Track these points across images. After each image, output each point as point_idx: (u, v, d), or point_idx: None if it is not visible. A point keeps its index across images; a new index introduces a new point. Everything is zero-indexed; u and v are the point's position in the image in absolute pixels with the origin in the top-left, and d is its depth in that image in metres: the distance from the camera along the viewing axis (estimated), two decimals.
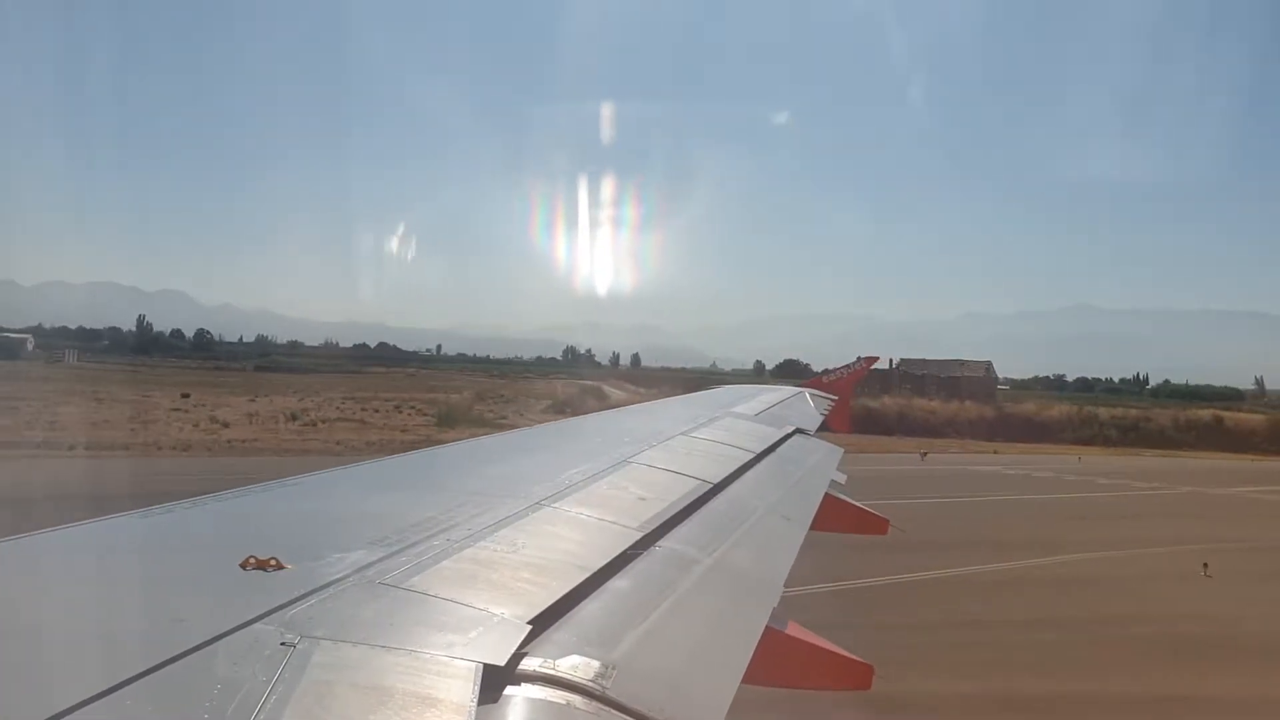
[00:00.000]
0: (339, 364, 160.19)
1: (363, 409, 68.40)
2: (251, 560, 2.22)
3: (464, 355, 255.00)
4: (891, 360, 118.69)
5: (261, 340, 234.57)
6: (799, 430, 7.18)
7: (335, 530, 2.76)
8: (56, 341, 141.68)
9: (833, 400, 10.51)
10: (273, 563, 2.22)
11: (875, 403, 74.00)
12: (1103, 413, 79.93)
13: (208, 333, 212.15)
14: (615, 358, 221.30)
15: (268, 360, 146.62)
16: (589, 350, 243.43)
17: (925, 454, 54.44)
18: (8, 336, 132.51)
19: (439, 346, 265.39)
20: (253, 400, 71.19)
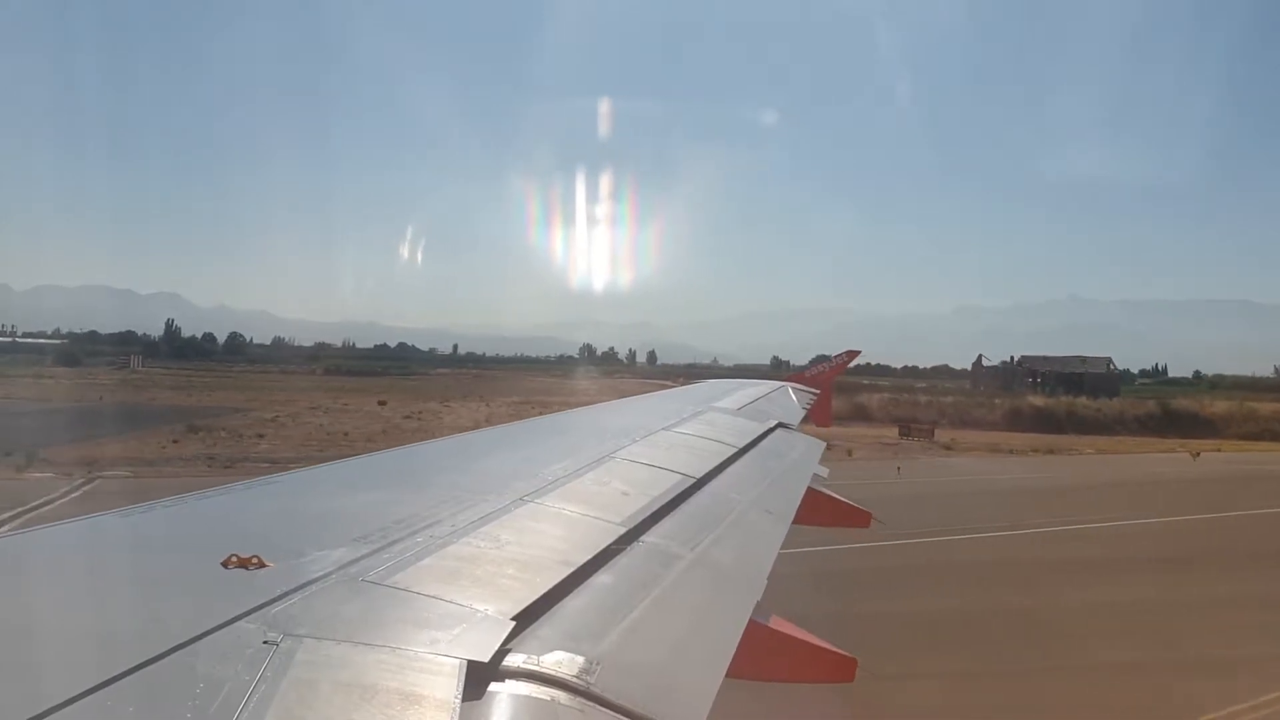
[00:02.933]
0: (403, 366, 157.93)
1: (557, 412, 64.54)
2: (233, 558, 2.21)
3: (473, 354, 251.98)
4: (1013, 357, 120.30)
5: (279, 342, 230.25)
6: (781, 424, 7.20)
7: (317, 528, 2.75)
8: (86, 346, 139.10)
9: (815, 394, 10.56)
10: (255, 561, 2.21)
11: (1041, 402, 73.55)
12: (1262, 408, 76.28)
13: (241, 336, 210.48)
14: (631, 355, 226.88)
15: (333, 363, 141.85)
16: (612, 348, 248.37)
17: (1198, 454, 51.82)
18: (56, 343, 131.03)
19: (455, 347, 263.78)
20: (446, 404, 68.84)
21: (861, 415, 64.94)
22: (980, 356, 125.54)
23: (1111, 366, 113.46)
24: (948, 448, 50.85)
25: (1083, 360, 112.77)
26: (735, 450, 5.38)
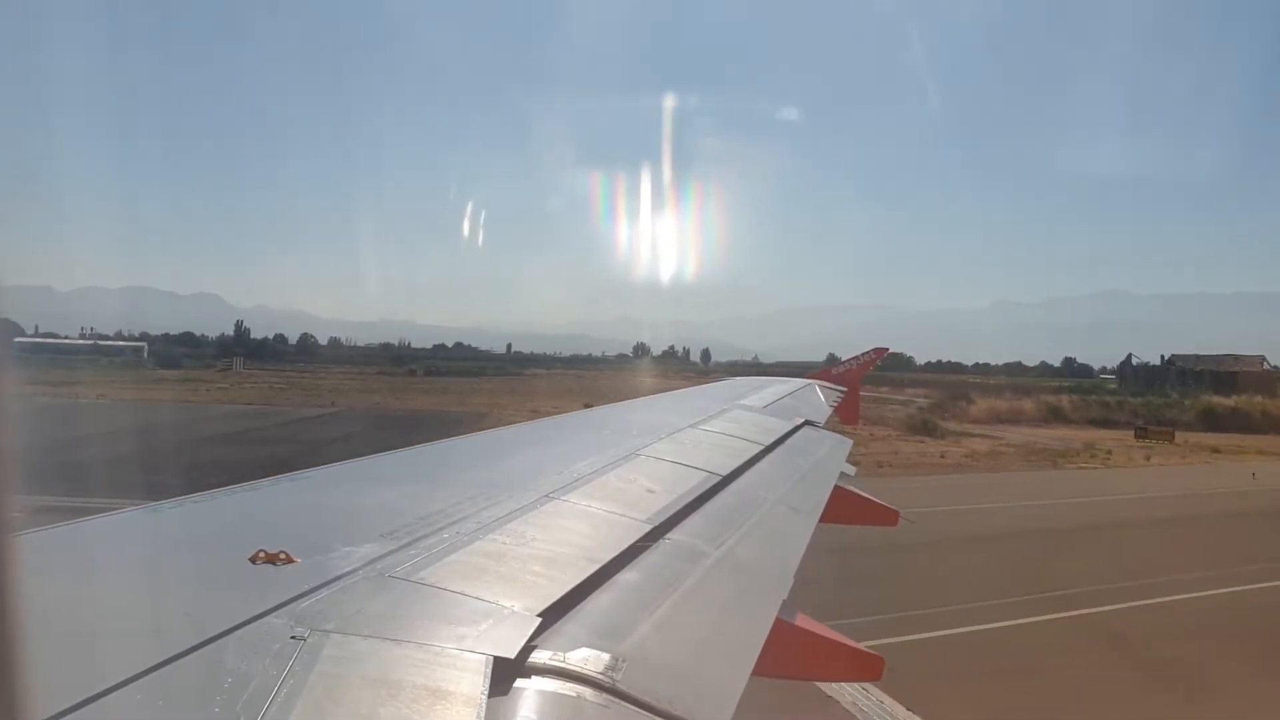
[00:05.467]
0: (497, 366, 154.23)
1: (859, 425, 57.05)
2: (261, 554, 2.22)
3: (519, 353, 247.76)
4: (1163, 356, 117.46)
5: (335, 343, 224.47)
6: (808, 422, 7.16)
7: (344, 524, 2.77)
8: (160, 348, 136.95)
9: (841, 392, 10.48)
10: (282, 556, 2.22)
11: (1229, 400, 70.75)
12: None
13: (311, 336, 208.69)
14: (686, 352, 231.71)
15: (430, 364, 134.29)
16: (672, 346, 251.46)
17: None
18: (132, 345, 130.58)
19: (509, 346, 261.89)
20: None
21: (1058, 417, 62.15)
22: (1130, 355, 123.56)
23: (1266, 364, 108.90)
24: (1215, 450, 46.47)
25: (1235, 359, 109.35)
26: (761, 448, 5.35)
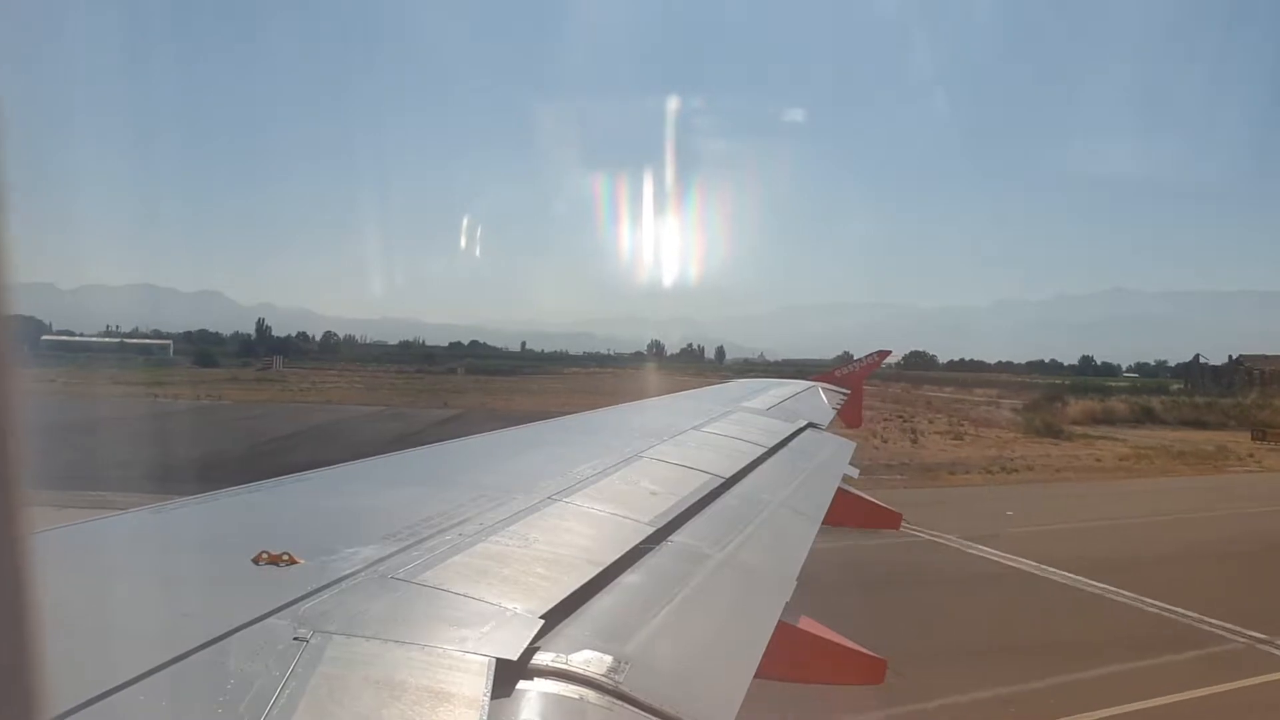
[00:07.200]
0: (534, 364, 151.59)
1: (975, 427, 52.02)
2: (264, 555, 2.22)
3: (530, 351, 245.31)
4: (1230, 356, 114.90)
5: (350, 341, 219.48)
6: (811, 425, 7.15)
7: (347, 525, 2.77)
8: (184, 346, 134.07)
9: (845, 394, 10.47)
10: (285, 557, 2.22)
11: None
12: None
13: (335, 335, 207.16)
14: (700, 350, 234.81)
15: (470, 363, 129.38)
16: (690, 344, 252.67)
17: None
18: (157, 343, 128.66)
19: (523, 344, 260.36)
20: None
21: (1151, 418, 60.57)
22: (1198, 355, 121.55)
23: None
24: None
25: None
26: (765, 450, 5.34)
